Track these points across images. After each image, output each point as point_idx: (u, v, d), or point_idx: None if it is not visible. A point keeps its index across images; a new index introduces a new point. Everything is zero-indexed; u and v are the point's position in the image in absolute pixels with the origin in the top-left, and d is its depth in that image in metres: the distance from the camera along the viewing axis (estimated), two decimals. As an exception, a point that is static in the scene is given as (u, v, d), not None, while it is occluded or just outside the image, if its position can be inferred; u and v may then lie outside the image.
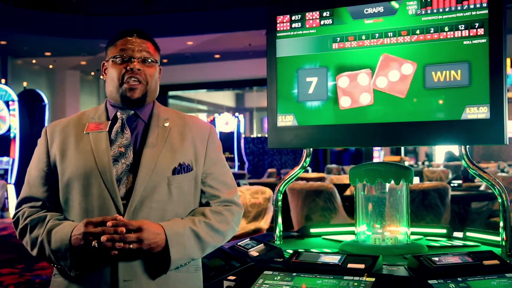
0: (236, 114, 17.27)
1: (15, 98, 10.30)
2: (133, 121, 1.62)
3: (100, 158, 1.53)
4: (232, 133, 16.19)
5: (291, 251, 1.89)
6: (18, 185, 9.84)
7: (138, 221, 1.45)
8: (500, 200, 2.05)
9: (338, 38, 2.24)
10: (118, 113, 1.61)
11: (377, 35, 2.17)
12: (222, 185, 1.66)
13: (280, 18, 2.35)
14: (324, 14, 2.27)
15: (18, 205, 1.61)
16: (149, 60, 1.60)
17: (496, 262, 1.65)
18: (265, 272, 1.71)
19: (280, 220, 2.38)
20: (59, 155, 1.57)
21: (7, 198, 9.54)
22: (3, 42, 13.47)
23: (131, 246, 1.41)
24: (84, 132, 1.59)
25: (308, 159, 2.40)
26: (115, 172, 1.52)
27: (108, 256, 1.41)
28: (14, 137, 10.27)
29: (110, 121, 1.61)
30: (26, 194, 1.61)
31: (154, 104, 1.68)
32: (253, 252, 1.91)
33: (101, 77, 1.68)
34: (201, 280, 1.65)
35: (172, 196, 1.55)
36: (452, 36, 2.06)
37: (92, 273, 1.48)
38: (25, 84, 12.95)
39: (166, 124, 1.63)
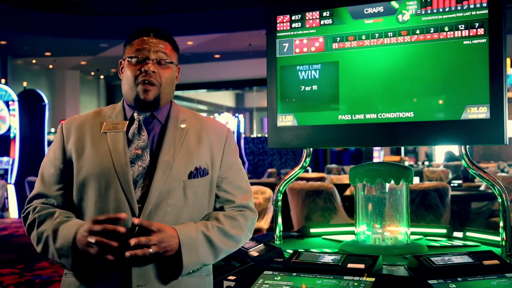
0: (236, 114, 17.27)
1: (15, 98, 10.29)
2: (149, 122, 1.59)
3: (117, 159, 1.50)
4: (232, 133, 16.17)
5: (291, 251, 1.88)
6: (18, 185, 9.83)
7: (156, 223, 1.43)
8: (500, 200, 2.04)
9: (338, 38, 2.24)
10: (135, 114, 1.59)
11: (377, 35, 2.17)
12: (237, 190, 1.64)
13: (280, 18, 2.35)
14: (324, 14, 2.27)
15: (30, 201, 1.58)
16: (165, 62, 1.57)
17: (496, 262, 1.65)
18: (265, 272, 1.70)
19: (280, 220, 2.38)
20: (75, 153, 1.54)
21: (7, 198, 9.54)
22: (3, 42, 13.48)
23: (151, 250, 1.38)
24: (101, 131, 1.57)
25: (308, 159, 2.40)
26: (132, 174, 1.50)
27: (121, 261, 1.38)
28: (14, 137, 10.26)
29: (127, 121, 1.58)
30: (39, 191, 1.58)
31: (172, 105, 1.65)
32: (253, 252, 1.91)
33: (119, 75, 1.69)
34: (211, 285, 1.63)
35: (187, 200, 1.53)
36: (452, 36, 2.05)
37: (103, 277, 1.45)
38: (25, 84, 12.94)
39: (183, 126, 1.60)
